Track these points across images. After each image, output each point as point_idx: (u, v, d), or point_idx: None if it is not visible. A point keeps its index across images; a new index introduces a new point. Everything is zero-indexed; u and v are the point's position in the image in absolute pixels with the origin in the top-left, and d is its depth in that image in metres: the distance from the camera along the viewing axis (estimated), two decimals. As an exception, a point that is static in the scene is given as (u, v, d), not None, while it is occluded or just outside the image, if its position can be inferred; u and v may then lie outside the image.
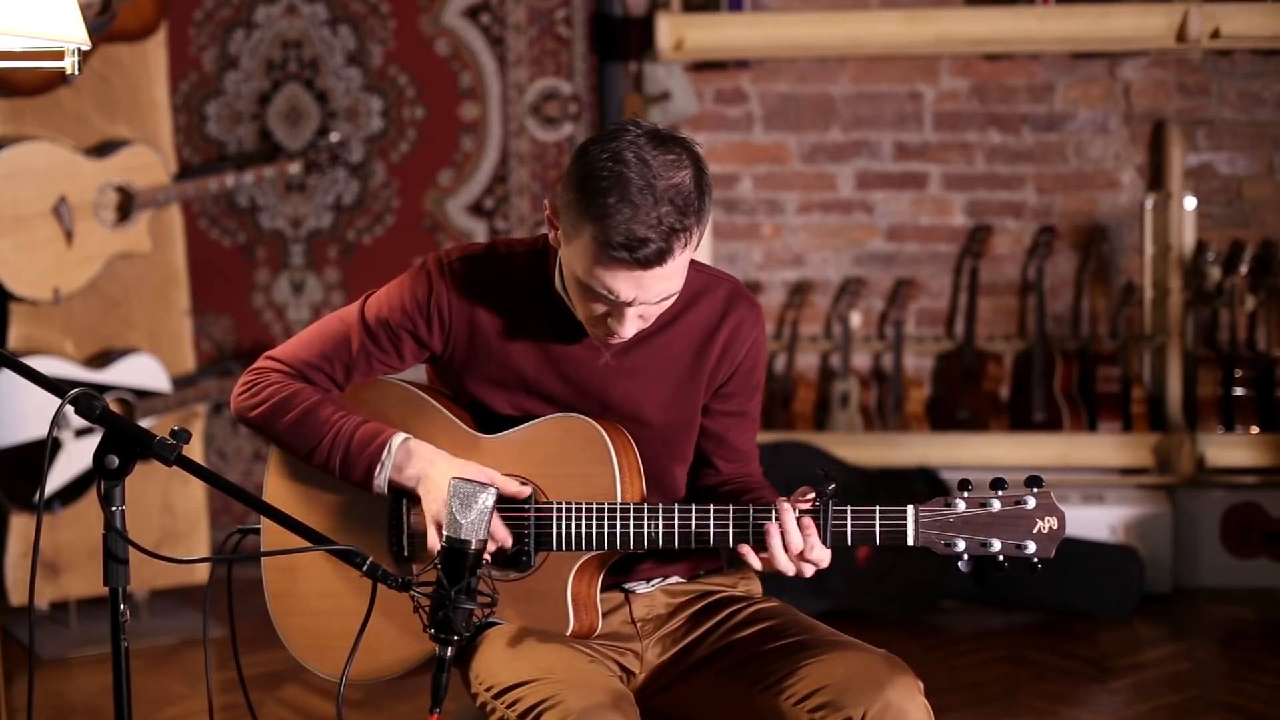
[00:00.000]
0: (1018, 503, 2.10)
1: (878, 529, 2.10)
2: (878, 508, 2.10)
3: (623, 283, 2.06)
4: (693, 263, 2.18)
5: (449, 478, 2.13)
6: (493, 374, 2.26)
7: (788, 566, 2.10)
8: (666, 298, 2.12)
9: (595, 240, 2.04)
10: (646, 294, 2.08)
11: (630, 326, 2.12)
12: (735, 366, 2.29)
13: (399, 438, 2.21)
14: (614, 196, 2.02)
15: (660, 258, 2.04)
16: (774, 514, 2.10)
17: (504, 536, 2.18)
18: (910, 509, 2.10)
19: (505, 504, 2.18)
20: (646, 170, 2.03)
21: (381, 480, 2.20)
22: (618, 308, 2.10)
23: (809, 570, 2.11)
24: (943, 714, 2.27)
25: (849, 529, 2.10)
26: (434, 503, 2.17)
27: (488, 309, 2.24)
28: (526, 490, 2.19)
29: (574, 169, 2.08)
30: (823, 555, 2.10)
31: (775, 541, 2.09)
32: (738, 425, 2.34)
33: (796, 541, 2.09)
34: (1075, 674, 4.01)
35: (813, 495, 2.12)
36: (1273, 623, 4.44)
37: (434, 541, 2.16)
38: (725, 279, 2.30)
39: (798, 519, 2.09)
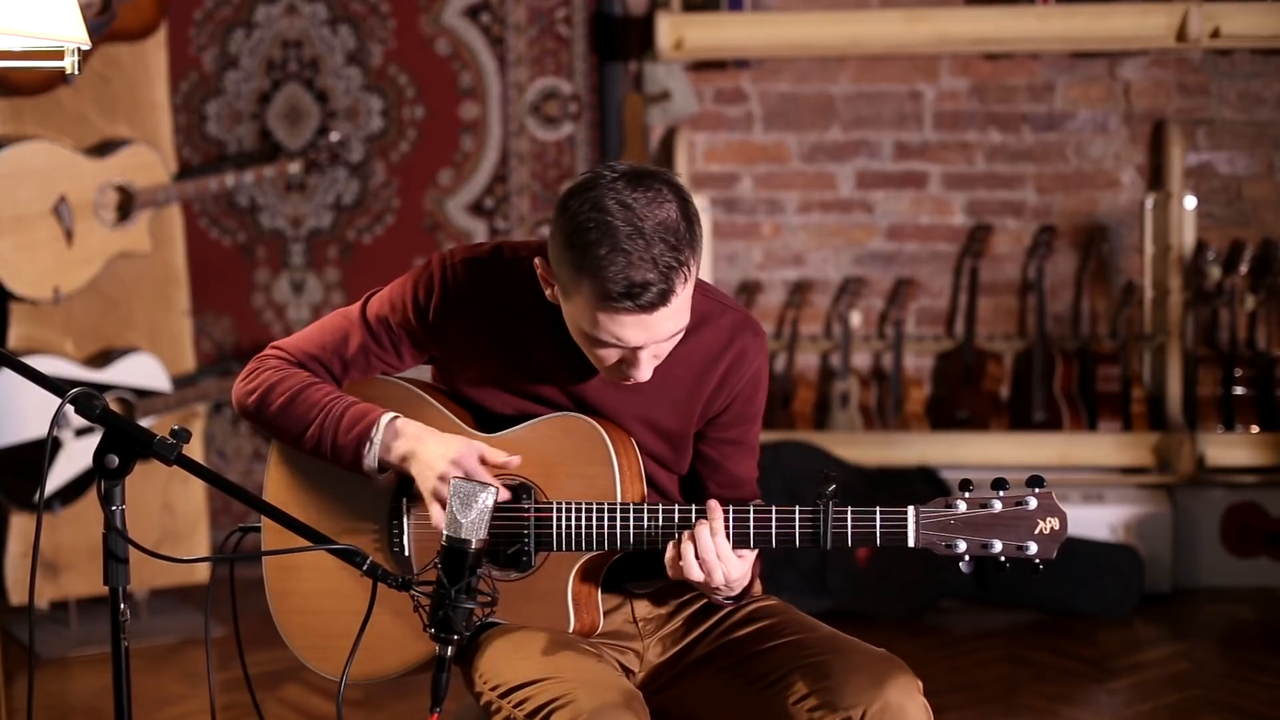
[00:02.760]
0: (1019, 503, 2.08)
1: (878, 530, 2.09)
2: (878, 509, 2.09)
3: (630, 330, 2.04)
4: (700, 286, 2.16)
5: (437, 453, 2.14)
6: (492, 376, 2.26)
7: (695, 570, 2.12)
8: (677, 333, 2.10)
9: (595, 294, 2.02)
10: (656, 334, 2.06)
11: (646, 369, 2.11)
12: (734, 395, 2.27)
13: (387, 416, 2.20)
14: (604, 248, 1.99)
15: (663, 298, 2.02)
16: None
17: (501, 458, 2.17)
18: (911, 510, 2.08)
19: (505, 504, 2.18)
20: (630, 214, 2.00)
21: (371, 459, 2.19)
22: (630, 353, 2.09)
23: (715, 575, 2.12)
24: (943, 714, 2.27)
25: (849, 530, 2.09)
26: (427, 481, 2.16)
27: (489, 312, 2.23)
28: (516, 460, 2.18)
29: (558, 226, 2.06)
30: (726, 560, 2.11)
31: (686, 548, 2.11)
32: (736, 453, 2.32)
33: (707, 545, 2.10)
34: (1075, 674, 4.01)
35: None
36: (1273, 623, 4.44)
37: (436, 517, 2.15)
38: (731, 306, 2.28)
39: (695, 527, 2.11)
